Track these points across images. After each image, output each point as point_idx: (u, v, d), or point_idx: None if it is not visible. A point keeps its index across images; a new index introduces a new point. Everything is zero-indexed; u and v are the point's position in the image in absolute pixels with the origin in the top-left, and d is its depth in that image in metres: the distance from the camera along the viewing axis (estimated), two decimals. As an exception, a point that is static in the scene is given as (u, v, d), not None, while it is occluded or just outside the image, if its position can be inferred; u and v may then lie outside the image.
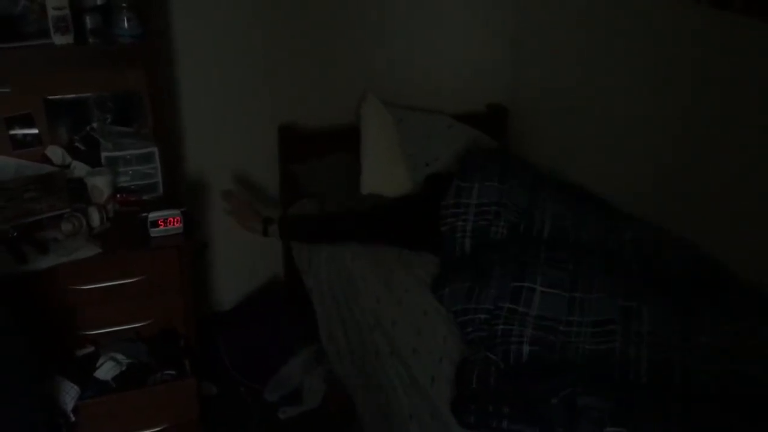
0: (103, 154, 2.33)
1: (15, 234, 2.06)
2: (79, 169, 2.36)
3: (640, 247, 2.22)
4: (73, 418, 2.03)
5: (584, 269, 1.99)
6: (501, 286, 1.96)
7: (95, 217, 2.16)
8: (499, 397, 1.67)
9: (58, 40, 2.08)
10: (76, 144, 2.40)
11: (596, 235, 2.26)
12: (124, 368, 2.16)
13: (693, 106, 2.21)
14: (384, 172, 2.70)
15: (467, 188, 2.34)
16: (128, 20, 2.14)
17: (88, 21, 2.11)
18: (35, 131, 2.35)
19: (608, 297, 1.92)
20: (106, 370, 2.13)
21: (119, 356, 2.17)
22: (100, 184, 2.22)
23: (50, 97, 2.34)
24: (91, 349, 2.20)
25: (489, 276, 2.01)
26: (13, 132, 2.33)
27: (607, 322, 1.88)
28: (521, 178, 2.39)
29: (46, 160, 2.36)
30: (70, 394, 2.04)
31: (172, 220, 2.16)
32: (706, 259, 2.17)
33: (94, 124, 2.41)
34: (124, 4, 2.13)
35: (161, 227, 2.15)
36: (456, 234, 2.28)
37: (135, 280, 2.15)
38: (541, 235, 2.26)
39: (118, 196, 2.29)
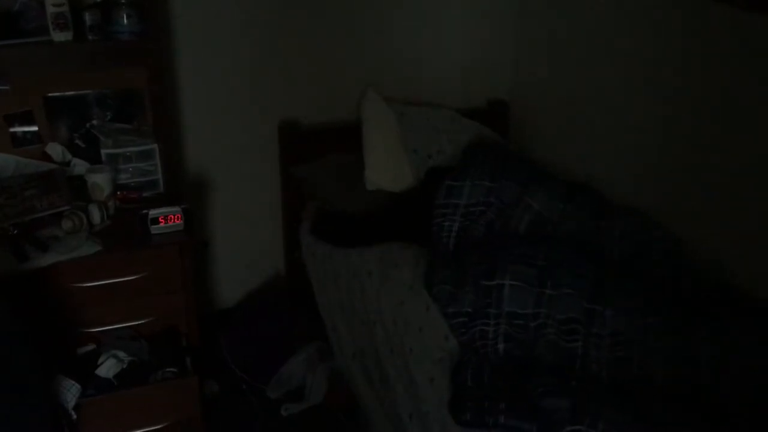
0: (103, 152, 2.32)
1: (15, 232, 2.05)
2: (80, 166, 2.35)
3: (626, 245, 2.21)
4: (75, 416, 2.02)
5: (555, 266, 1.98)
6: (476, 288, 1.97)
7: (96, 215, 2.15)
8: (495, 393, 1.68)
9: (58, 37, 2.08)
10: (76, 141, 2.39)
11: (581, 230, 2.24)
12: (125, 366, 2.15)
13: (696, 102, 2.20)
14: (387, 168, 2.69)
15: (458, 188, 2.34)
16: (128, 17, 2.14)
17: (88, 18, 2.11)
18: (35, 129, 2.34)
19: (576, 296, 1.91)
20: (107, 368, 2.13)
21: (120, 354, 2.16)
22: (100, 181, 2.21)
23: (50, 95, 2.33)
24: (92, 347, 2.20)
25: (465, 278, 2.01)
26: (13, 129, 2.32)
27: (572, 321, 1.88)
28: (514, 174, 2.38)
29: (47, 157, 2.35)
30: (71, 391, 2.03)
31: (172, 217, 2.15)
32: (687, 263, 2.17)
33: (94, 121, 2.41)
34: (123, 1, 2.13)
35: (162, 224, 2.15)
36: (442, 233, 2.30)
37: (136, 277, 2.14)
38: (517, 230, 2.26)
39: (119, 193, 2.28)
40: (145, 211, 2.15)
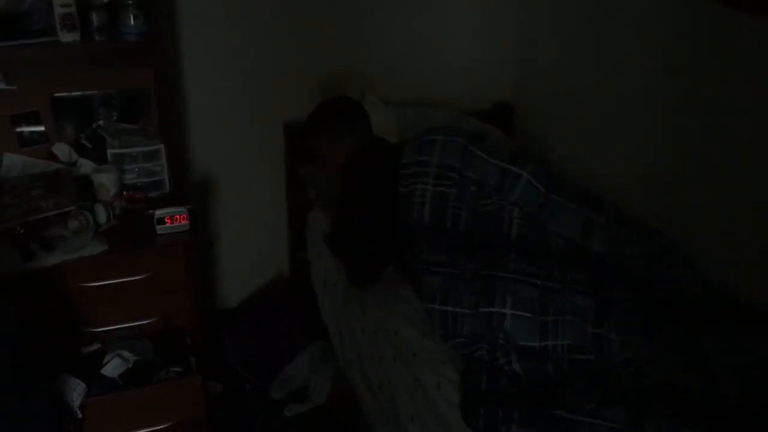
0: (110, 152, 2.33)
1: (21, 231, 2.06)
2: (86, 166, 2.36)
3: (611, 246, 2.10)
4: (80, 415, 2.03)
5: (556, 284, 1.86)
6: (473, 317, 1.87)
7: (101, 215, 2.16)
8: (510, 400, 1.65)
9: (65, 37, 2.08)
10: (83, 141, 2.40)
11: (572, 230, 2.08)
12: (130, 365, 2.16)
13: (701, 105, 2.19)
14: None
15: (429, 142, 2.13)
16: (134, 18, 2.14)
17: (95, 18, 2.11)
18: (42, 129, 2.35)
19: (578, 323, 1.80)
20: (112, 368, 2.13)
21: (125, 353, 2.17)
22: (106, 181, 2.22)
23: (57, 95, 2.34)
24: (97, 346, 2.21)
25: (459, 301, 1.90)
26: (19, 129, 2.33)
27: (581, 349, 1.80)
28: (494, 151, 2.15)
29: (53, 157, 2.36)
30: (76, 391, 2.04)
31: (178, 217, 2.16)
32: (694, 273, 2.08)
33: (101, 122, 2.41)
34: (130, 2, 2.13)
35: (168, 224, 2.15)
36: (414, 200, 2.09)
37: (141, 277, 2.15)
38: (509, 233, 2.09)
39: (125, 193, 2.29)
40: (151, 212, 2.15)
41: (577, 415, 1.60)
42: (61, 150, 2.37)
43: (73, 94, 2.36)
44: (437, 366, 1.86)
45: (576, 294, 1.84)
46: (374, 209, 2.20)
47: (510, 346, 1.82)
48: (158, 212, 2.15)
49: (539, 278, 1.87)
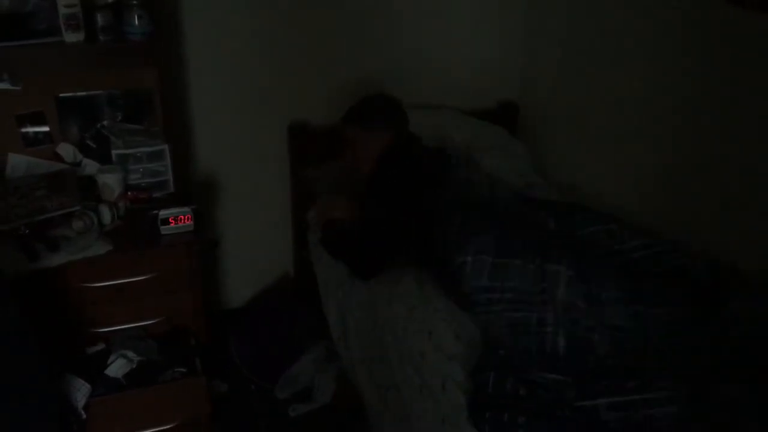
0: (114, 152, 2.33)
1: (26, 231, 2.06)
2: (90, 166, 2.36)
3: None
4: (84, 416, 2.04)
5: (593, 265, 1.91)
6: (525, 272, 1.86)
7: (106, 215, 2.16)
8: (516, 403, 1.64)
9: (69, 37, 2.08)
10: (87, 141, 2.40)
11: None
12: (134, 366, 2.16)
13: (709, 105, 2.18)
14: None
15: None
16: (139, 17, 2.14)
17: (99, 18, 2.11)
18: (46, 129, 2.36)
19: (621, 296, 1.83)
20: (116, 368, 2.13)
21: (130, 354, 2.17)
22: (110, 181, 2.22)
23: (61, 95, 2.34)
24: (101, 346, 2.21)
25: (514, 253, 1.89)
26: (24, 130, 2.33)
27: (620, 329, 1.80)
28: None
29: (57, 157, 2.37)
30: (81, 391, 2.05)
31: (182, 217, 2.16)
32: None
33: (105, 122, 2.42)
34: (134, 2, 2.13)
35: (172, 225, 2.15)
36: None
37: (146, 277, 2.15)
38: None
39: (129, 193, 2.29)
40: (155, 212, 2.15)
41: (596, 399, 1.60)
42: (66, 150, 2.37)
43: (78, 94, 2.36)
44: (443, 365, 1.85)
45: (612, 272, 1.89)
46: (406, 200, 2.19)
47: (558, 306, 1.81)
48: (162, 213, 2.15)
49: (580, 257, 1.91)
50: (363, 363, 2.22)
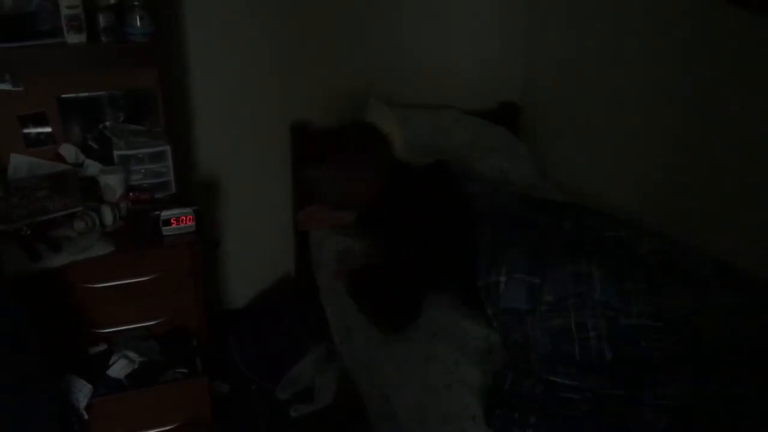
0: (116, 153, 2.33)
1: (28, 232, 2.06)
2: (92, 167, 2.37)
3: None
4: (86, 416, 2.04)
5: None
6: (559, 277, 1.86)
7: (108, 216, 2.16)
8: (529, 403, 1.63)
9: (71, 38, 2.09)
10: (89, 142, 2.41)
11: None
12: (136, 366, 2.16)
13: (709, 105, 2.18)
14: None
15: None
16: (141, 18, 2.15)
17: (101, 19, 2.12)
18: (48, 130, 2.36)
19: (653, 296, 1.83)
20: (118, 368, 2.14)
21: (131, 354, 2.17)
22: (112, 182, 2.22)
23: (63, 96, 2.34)
24: (103, 347, 2.21)
25: (544, 264, 1.89)
26: (26, 130, 2.33)
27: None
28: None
29: (60, 158, 2.37)
30: (82, 392, 2.05)
31: (184, 218, 2.16)
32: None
33: (107, 123, 2.42)
34: (136, 3, 2.13)
35: (174, 226, 2.16)
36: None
37: (147, 278, 2.16)
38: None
39: (131, 194, 2.29)
40: (157, 213, 2.15)
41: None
42: (68, 151, 2.37)
43: (80, 95, 2.37)
44: (450, 366, 1.84)
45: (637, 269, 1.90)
46: (424, 229, 2.13)
47: (597, 310, 1.79)
48: (164, 213, 2.15)
49: (605, 259, 1.91)
50: (365, 367, 2.21)
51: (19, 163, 2.32)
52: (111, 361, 2.15)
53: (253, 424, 2.54)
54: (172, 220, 2.15)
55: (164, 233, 2.15)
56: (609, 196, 2.60)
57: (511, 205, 2.25)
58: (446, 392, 1.78)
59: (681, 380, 1.64)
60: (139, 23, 2.15)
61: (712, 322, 1.78)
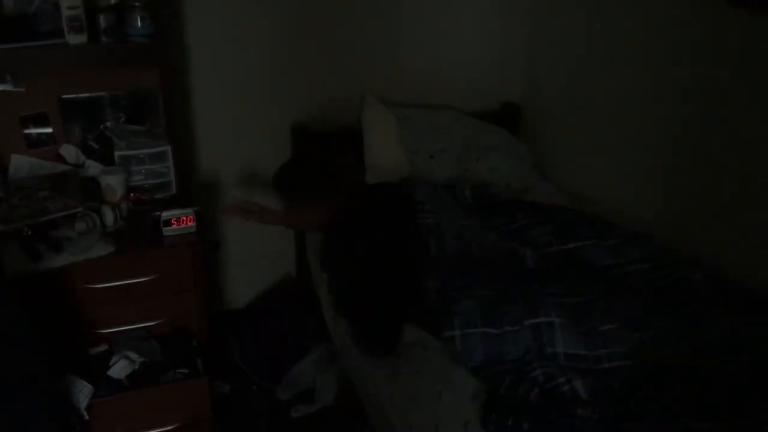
0: (117, 153, 2.33)
1: (29, 232, 2.07)
2: (93, 167, 2.37)
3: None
4: (87, 417, 2.04)
5: (582, 297, 1.91)
6: (518, 333, 1.82)
7: (109, 216, 2.16)
8: (524, 407, 1.62)
9: (72, 39, 2.09)
10: (90, 143, 2.41)
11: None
12: (137, 367, 2.16)
13: (710, 106, 2.18)
14: (388, 174, 2.70)
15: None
16: (141, 19, 2.15)
17: (102, 20, 2.12)
18: (49, 130, 2.36)
19: (622, 328, 1.84)
20: (119, 369, 2.13)
21: (132, 355, 2.17)
22: (113, 182, 2.22)
23: (64, 96, 2.35)
24: (104, 347, 2.21)
25: (501, 321, 1.85)
26: (27, 131, 2.34)
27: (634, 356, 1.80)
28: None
29: (60, 159, 2.37)
30: (83, 392, 2.04)
31: (185, 219, 2.17)
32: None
33: (108, 123, 2.42)
34: (137, 3, 2.13)
35: (174, 226, 2.16)
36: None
37: (148, 278, 2.15)
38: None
39: (132, 194, 2.29)
40: (157, 213, 2.16)
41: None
42: (69, 151, 2.38)
43: (81, 95, 2.37)
44: (440, 377, 1.82)
45: (603, 301, 1.89)
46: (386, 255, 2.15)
47: (566, 365, 1.77)
48: (165, 214, 2.15)
49: (567, 296, 1.90)
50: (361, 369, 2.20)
51: (20, 163, 2.32)
52: (111, 362, 2.15)
53: (253, 424, 2.53)
54: (172, 221, 2.16)
55: (165, 234, 2.15)
56: (608, 196, 2.60)
57: (465, 228, 2.23)
58: (437, 399, 1.77)
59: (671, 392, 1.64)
60: (139, 24, 2.15)
61: (701, 351, 1.79)
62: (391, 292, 2.05)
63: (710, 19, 2.13)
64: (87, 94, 2.38)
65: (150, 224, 2.18)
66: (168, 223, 2.16)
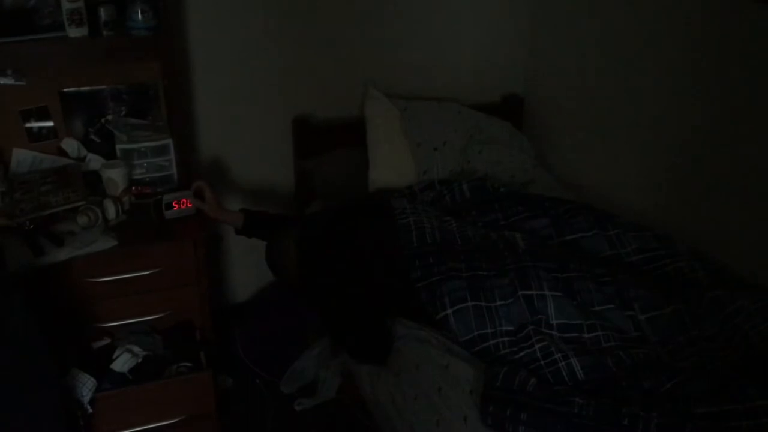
0: (118, 147, 2.33)
1: (31, 227, 2.07)
2: (95, 161, 2.37)
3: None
4: (90, 410, 2.04)
5: (575, 273, 1.91)
6: (511, 306, 1.83)
7: (111, 210, 2.16)
8: (521, 399, 1.62)
9: (73, 32, 2.09)
10: (92, 136, 2.41)
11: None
12: (140, 360, 2.16)
13: (714, 100, 2.17)
14: (391, 167, 2.69)
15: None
16: (142, 12, 2.14)
17: (103, 13, 2.11)
18: (51, 124, 2.36)
19: (614, 306, 1.84)
20: (122, 363, 2.14)
21: (135, 348, 2.18)
22: (115, 176, 2.22)
23: (65, 90, 2.34)
24: (107, 341, 2.21)
25: (492, 296, 1.85)
26: (29, 125, 2.33)
27: (627, 335, 1.81)
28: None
29: (62, 152, 2.37)
30: (86, 386, 2.05)
31: (185, 201, 2.22)
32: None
33: (109, 117, 2.42)
34: (138, -4, 2.13)
35: (175, 209, 2.20)
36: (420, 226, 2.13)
37: (151, 272, 2.16)
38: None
39: (134, 188, 2.29)
40: (159, 197, 2.20)
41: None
42: (70, 145, 2.37)
43: (82, 89, 2.37)
44: (440, 371, 1.81)
45: (596, 281, 1.88)
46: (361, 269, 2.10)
47: (561, 337, 1.78)
48: (166, 197, 2.20)
49: (559, 271, 1.90)
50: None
51: (22, 157, 2.32)
52: (115, 356, 2.16)
53: (257, 418, 2.54)
54: (173, 204, 2.19)
55: (166, 217, 2.19)
56: (610, 190, 2.60)
57: (448, 222, 2.20)
58: (437, 394, 1.76)
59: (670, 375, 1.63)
60: (140, 17, 2.14)
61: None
62: (377, 295, 2.04)
63: (719, 12, 2.12)
64: (88, 88, 2.37)
65: (152, 208, 2.22)
66: (169, 206, 2.20)
